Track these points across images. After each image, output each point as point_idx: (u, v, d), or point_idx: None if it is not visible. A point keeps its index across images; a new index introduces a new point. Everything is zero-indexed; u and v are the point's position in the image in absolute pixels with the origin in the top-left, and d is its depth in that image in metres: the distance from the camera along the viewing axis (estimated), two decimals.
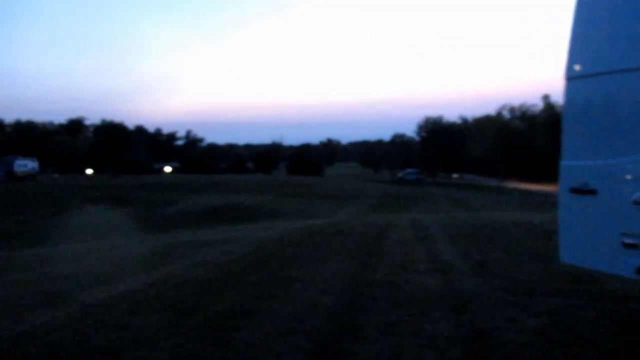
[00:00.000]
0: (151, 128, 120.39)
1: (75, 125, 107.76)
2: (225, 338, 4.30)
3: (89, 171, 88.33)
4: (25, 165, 62.21)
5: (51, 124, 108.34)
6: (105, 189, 45.94)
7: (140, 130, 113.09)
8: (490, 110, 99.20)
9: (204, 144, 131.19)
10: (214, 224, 25.89)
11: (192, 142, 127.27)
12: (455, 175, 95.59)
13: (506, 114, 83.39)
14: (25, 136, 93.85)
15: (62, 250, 14.23)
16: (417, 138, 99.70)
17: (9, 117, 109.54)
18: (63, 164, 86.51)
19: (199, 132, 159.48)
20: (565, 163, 4.39)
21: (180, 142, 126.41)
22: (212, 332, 4.45)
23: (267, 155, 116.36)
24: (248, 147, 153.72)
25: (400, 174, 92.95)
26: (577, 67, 4.35)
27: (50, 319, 5.04)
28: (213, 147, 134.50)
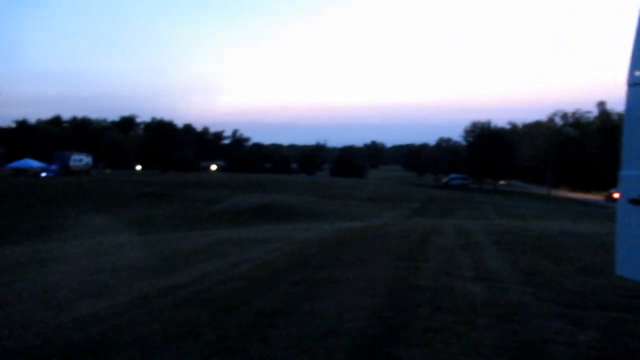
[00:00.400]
0: (199, 127, 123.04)
1: (127, 123, 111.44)
2: (267, 336, 4.32)
3: (139, 167, 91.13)
4: (80, 160, 64.75)
5: (104, 120, 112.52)
6: (153, 185, 47.22)
7: (188, 129, 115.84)
8: (541, 116, 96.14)
9: (249, 143, 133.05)
10: (257, 222, 26.18)
11: (238, 141, 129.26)
12: (502, 182, 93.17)
13: (558, 120, 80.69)
14: (80, 132, 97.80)
15: (111, 243, 14.73)
16: (463, 143, 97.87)
17: (67, 114, 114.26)
18: (114, 159, 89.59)
19: (245, 132, 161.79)
20: (625, 173, 4.19)
21: (226, 141, 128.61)
22: (254, 330, 4.49)
23: (311, 156, 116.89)
24: (292, 148, 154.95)
25: (445, 179, 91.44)
26: (639, 74, 4.14)
27: (98, 309, 5.21)
28: (258, 147, 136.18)
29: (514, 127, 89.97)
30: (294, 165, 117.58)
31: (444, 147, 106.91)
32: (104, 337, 4.26)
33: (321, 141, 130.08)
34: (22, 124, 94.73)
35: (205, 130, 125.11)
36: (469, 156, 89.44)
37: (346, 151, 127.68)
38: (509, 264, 8.10)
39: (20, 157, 63.78)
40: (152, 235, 19.28)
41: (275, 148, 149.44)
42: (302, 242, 11.15)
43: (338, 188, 50.47)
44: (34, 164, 60.94)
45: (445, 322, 4.77)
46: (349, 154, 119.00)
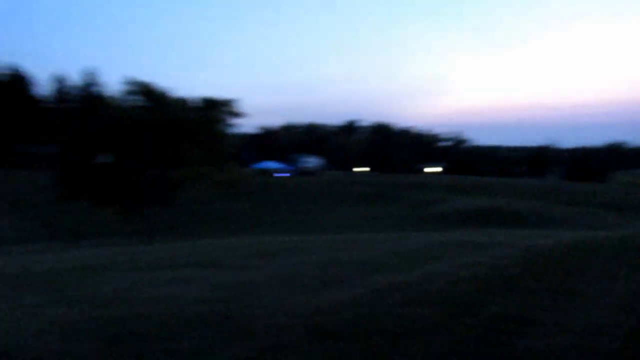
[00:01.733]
0: (418, 129, 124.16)
1: (350, 127, 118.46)
2: (507, 342, 4.11)
3: (361, 169, 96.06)
4: (310, 162, 71.44)
5: (331, 125, 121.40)
6: (375, 186, 49.26)
7: (407, 132, 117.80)
8: None
9: (468, 145, 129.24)
10: (480, 226, 25.28)
11: (457, 143, 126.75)
12: None
13: None
14: (310, 137, 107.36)
15: (339, 239, 15.80)
16: None
17: (299, 121, 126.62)
18: (339, 161, 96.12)
19: (465, 134, 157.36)
20: None
21: (446, 143, 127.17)
22: (491, 334, 4.31)
23: (538, 158, 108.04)
24: (514, 150, 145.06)
25: None
26: None
27: (341, 298, 5.61)
28: (477, 149, 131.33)
29: None
30: (517, 168, 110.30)
31: None
32: (350, 325, 4.56)
33: (549, 142, 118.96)
34: (265, 130, 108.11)
35: (424, 133, 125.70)
36: None
37: (581, 152, 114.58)
38: None
39: (262, 160, 73.06)
40: (375, 234, 20.09)
41: (496, 150, 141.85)
42: (534, 249, 10.36)
43: (572, 193, 45.75)
44: (272, 165, 69.27)
45: None
46: (585, 156, 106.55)
